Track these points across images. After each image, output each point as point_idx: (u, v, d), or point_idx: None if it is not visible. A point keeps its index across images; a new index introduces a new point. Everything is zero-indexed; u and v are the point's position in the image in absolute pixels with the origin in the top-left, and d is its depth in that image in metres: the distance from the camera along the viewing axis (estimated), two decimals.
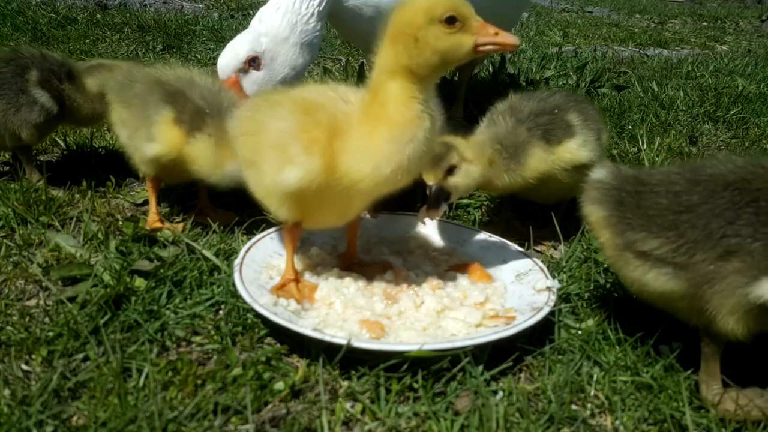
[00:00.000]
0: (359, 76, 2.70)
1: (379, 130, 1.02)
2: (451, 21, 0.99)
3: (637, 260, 0.97)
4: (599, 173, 1.05)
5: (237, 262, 1.17)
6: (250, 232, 1.38)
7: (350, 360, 1.00)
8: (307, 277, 1.22)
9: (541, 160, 1.35)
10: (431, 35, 0.99)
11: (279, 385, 0.96)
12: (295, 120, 1.06)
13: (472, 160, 1.27)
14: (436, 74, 1.04)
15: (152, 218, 1.43)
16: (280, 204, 1.11)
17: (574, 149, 1.37)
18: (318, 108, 1.07)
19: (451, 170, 1.24)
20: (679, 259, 0.93)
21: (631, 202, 0.99)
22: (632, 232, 0.97)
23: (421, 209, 1.28)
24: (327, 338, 0.98)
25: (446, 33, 1.00)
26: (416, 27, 0.99)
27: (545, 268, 1.23)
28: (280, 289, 1.15)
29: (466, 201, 1.64)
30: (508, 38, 1.02)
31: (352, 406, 0.95)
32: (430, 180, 1.23)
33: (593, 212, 1.03)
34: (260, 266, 1.22)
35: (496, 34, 1.02)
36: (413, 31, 0.99)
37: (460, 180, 1.25)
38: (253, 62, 1.62)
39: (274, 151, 1.07)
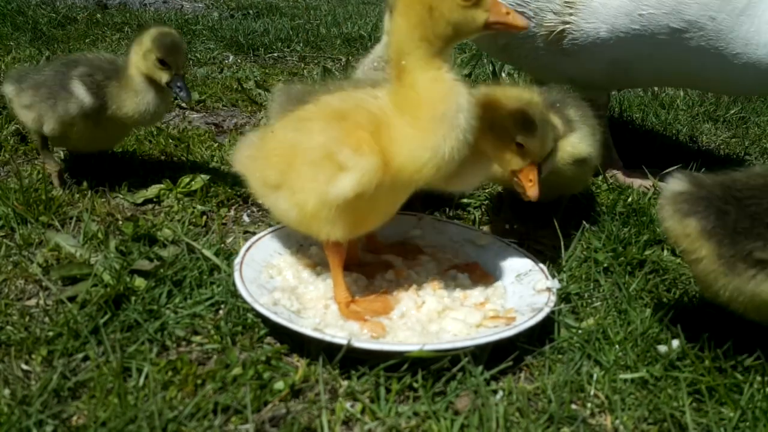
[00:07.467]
0: None
1: (421, 113, 1.00)
2: None
3: (751, 269, 0.95)
4: (679, 185, 1.02)
5: (237, 261, 1.17)
6: (250, 232, 1.38)
7: (350, 360, 1.00)
8: (307, 276, 1.22)
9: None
10: (446, 6, 0.97)
11: (279, 384, 0.96)
12: (334, 129, 1.04)
13: None
14: (449, 46, 1.02)
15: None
16: (333, 220, 1.05)
17: (576, 143, 1.38)
18: (351, 111, 1.05)
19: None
20: None
21: (735, 210, 0.97)
22: (748, 241, 0.95)
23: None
24: (327, 338, 0.98)
25: (461, 6, 0.98)
26: None
27: (545, 269, 1.23)
28: (349, 316, 1.10)
29: (466, 200, 1.64)
30: (519, 20, 1.00)
31: (352, 406, 0.95)
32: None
33: (689, 224, 0.99)
34: (260, 266, 1.22)
35: (508, 13, 1.00)
36: (428, 0, 0.97)
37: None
38: None
39: (317, 167, 1.04)
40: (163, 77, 1.46)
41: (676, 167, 1.79)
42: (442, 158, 1.00)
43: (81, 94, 1.47)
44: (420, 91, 1.01)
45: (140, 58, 1.46)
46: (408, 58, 1.01)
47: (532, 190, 1.15)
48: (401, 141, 1.01)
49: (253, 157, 1.18)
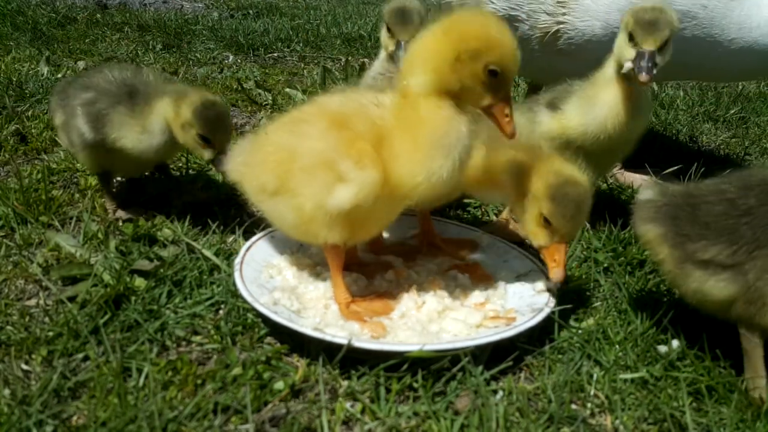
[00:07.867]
0: (359, 75, 2.70)
1: (421, 137, 0.98)
2: (493, 74, 0.96)
3: (697, 271, 1.00)
4: (647, 193, 1.09)
5: (237, 261, 1.17)
6: (250, 232, 1.38)
7: (350, 360, 1.00)
8: (307, 276, 1.22)
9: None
10: (468, 70, 0.96)
11: (279, 384, 0.96)
12: (334, 136, 1.02)
13: None
14: (451, 97, 0.99)
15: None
16: (330, 226, 1.05)
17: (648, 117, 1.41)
18: (353, 117, 1.03)
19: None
20: (739, 258, 0.96)
21: (686, 215, 1.03)
22: (691, 243, 1.00)
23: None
24: (328, 338, 0.98)
25: (480, 80, 0.96)
26: (466, 50, 0.94)
27: (545, 269, 1.23)
28: (349, 316, 1.10)
29: (466, 200, 1.64)
30: (509, 127, 1.01)
31: (352, 406, 0.95)
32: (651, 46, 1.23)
33: (649, 230, 1.05)
34: (260, 265, 1.22)
35: (506, 116, 1.00)
36: (462, 49, 0.95)
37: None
38: None
39: (314, 173, 1.02)
40: (205, 155, 1.28)
41: (676, 167, 1.80)
42: (438, 181, 0.99)
43: (81, 125, 1.33)
44: (422, 113, 0.99)
45: (178, 127, 1.28)
46: (414, 80, 1.00)
47: (554, 272, 1.10)
48: (400, 158, 1.00)
49: (248, 164, 1.16)
